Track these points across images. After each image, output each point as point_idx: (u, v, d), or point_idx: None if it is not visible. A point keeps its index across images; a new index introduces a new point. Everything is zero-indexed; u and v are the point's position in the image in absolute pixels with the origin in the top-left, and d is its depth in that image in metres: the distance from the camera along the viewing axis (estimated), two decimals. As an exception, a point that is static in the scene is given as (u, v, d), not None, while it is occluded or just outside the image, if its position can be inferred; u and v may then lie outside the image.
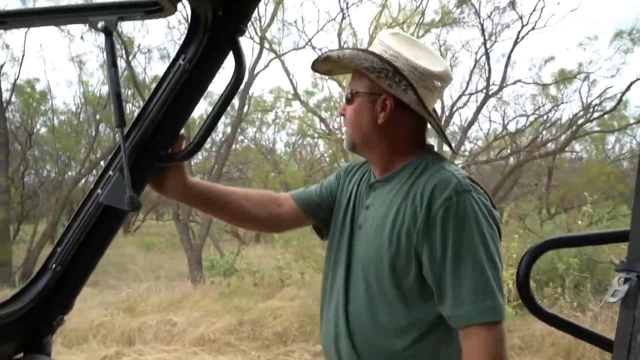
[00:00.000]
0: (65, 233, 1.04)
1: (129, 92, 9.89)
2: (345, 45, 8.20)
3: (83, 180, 11.36)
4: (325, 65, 1.21)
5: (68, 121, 12.67)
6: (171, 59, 1.04)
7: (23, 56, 12.49)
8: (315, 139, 9.51)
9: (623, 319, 0.85)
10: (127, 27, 9.46)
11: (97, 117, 11.49)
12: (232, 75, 1.06)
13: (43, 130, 13.13)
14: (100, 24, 0.93)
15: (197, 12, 0.99)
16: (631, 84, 8.19)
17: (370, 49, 1.15)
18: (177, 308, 5.80)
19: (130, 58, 9.05)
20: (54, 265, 1.03)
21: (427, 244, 1.05)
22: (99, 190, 1.02)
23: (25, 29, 8.59)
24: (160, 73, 1.06)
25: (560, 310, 5.00)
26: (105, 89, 10.78)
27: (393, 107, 1.13)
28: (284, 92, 10.24)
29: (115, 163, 1.03)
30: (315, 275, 7.24)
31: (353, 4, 8.27)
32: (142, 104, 1.15)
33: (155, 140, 1.05)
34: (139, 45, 9.73)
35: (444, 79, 1.15)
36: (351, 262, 1.19)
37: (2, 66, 10.22)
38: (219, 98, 1.08)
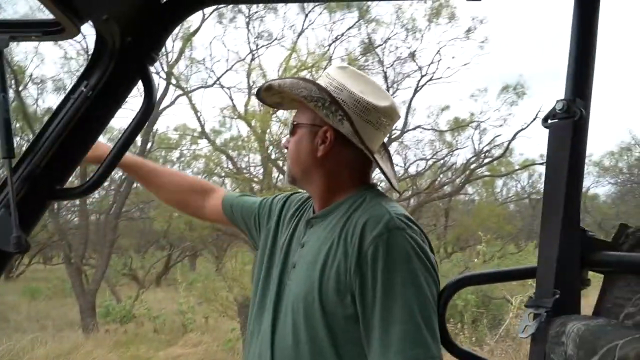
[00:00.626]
0: None
1: (17, 125, 9.11)
2: (255, 86, 8.27)
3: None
4: (271, 97, 1.18)
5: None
6: (71, 85, 0.95)
7: None
8: (223, 178, 9.30)
9: (534, 354, 0.88)
10: (19, 55, 8.82)
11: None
12: (141, 107, 0.99)
13: None
14: None
15: (104, 36, 0.92)
16: (516, 133, 9.11)
17: (317, 81, 1.12)
18: (65, 361, 5.25)
19: (20, 88, 8.41)
20: None
21: (358, 284, 0.99)
22: None
23: None
24: (54, 105, 0.96)
25: (460, 346, 5.21)
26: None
27: (333, 139, 1.10)
28: (190, 129, 9.99)
29: (0, 199, 0.90)
30: (220, 319, 6.95)
31: (262, 46, 8.40)
32: (32, 137, 1.04)
33: (49, 173, 0.94)
34: (31, 75, 9.08)
35: (390, 114, 1.13)
36: (280, 304, 1.10)
37: None
38: (125, 130, 0.99)
